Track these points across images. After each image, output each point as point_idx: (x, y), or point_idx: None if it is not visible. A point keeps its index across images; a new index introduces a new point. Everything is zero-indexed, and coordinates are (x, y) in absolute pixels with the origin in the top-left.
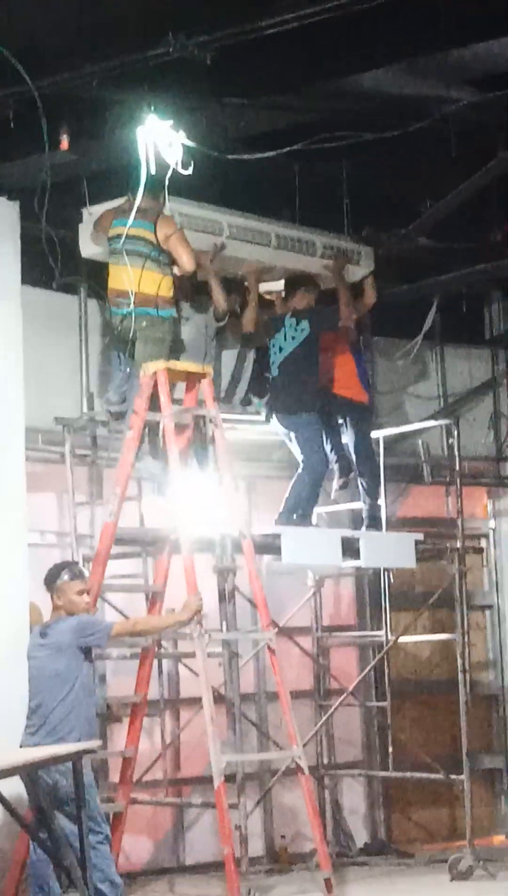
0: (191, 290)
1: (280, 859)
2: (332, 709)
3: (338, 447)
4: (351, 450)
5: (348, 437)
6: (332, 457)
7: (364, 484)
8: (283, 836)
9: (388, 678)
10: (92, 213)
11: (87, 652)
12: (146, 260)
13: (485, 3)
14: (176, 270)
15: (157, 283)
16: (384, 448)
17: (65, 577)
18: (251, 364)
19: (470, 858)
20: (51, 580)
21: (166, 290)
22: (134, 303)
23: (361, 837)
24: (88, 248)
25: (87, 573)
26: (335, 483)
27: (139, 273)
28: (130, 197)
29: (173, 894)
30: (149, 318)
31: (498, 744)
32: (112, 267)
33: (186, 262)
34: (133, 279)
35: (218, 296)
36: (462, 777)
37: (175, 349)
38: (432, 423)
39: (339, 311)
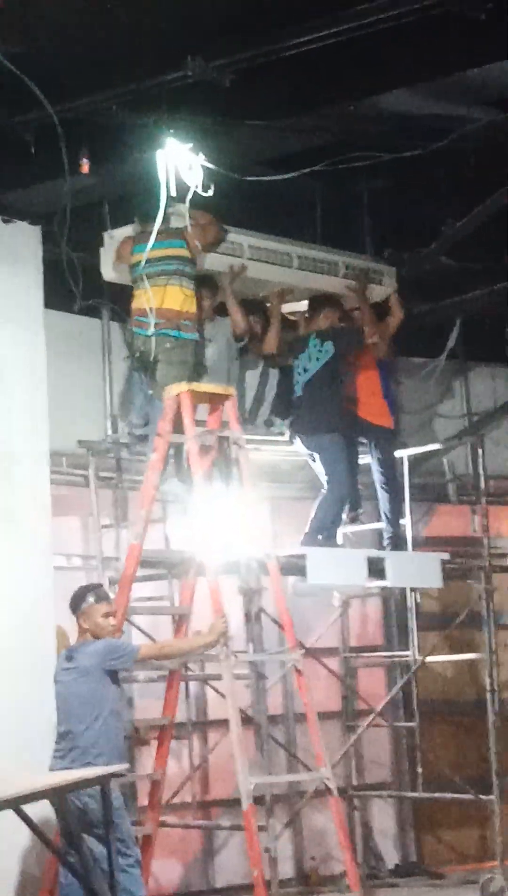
0: (211, 310)
1: (310, 881)
2: (360, 730)
3: (353, 478)
4: (375, 471)
5: (371, 459)
6: None
7: (387, 506)
8: (313, 858)
9: (416, 698)
10: (113, 236)
11: (114, 675)
12: (170, 277)
13: (503, 23)
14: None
15: (180, 301)
16: (409, 467)
17: (90, 599)
18: (275, 385)
19: (501, 879)
20: (76, 603)
21: (190, 306)
22: (158, 324)
23: (391, 859)
24: (110, 271)
25: (112, 595)
26: (345, 517)
27: (161, 291)
28: (137, 223)
29: None
30: (172, 341)
31: None
32: (135, 290)
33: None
34: (156, 298)
35: (236, 317)
36: (493, 797)
37: (198, 371)
38: (456, 442)
39: (363, 331)
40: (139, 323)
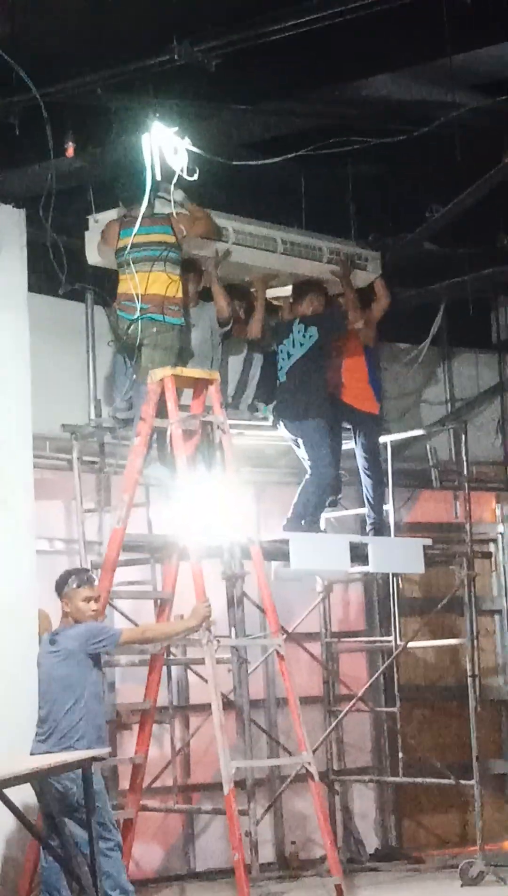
0: (196, 295)
1: (291, 865)
2: (342, 714)
3: (336, 464)
4: (358, 456)
5: (355, 444)
6: None
7: (370, 491)
8: (293, 843)
9: (397, 683)
10: (98, 220)
11: (96, 659)
12: (154, 263)
13: (490, 8)
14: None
15: (165, 286)
16: (392, 453)
17: (72, 584)
18: (259, 370)
19: (481, 864)
20: (60, 587)
21: (176, 291)
22: (143, 309)
23: (371, 843)
24: (94, 255)
25: (96, 580)
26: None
27: (146, 277)
28: (123, 206)
29: None
30: (158, 325)
31: None
32: (121, 274)
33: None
34: (141, 283)
35: (221, 301)
36: (473, 782)
37: (183, 356)
38: (440, 428)
39: (347, 316)
40: (125, 307)
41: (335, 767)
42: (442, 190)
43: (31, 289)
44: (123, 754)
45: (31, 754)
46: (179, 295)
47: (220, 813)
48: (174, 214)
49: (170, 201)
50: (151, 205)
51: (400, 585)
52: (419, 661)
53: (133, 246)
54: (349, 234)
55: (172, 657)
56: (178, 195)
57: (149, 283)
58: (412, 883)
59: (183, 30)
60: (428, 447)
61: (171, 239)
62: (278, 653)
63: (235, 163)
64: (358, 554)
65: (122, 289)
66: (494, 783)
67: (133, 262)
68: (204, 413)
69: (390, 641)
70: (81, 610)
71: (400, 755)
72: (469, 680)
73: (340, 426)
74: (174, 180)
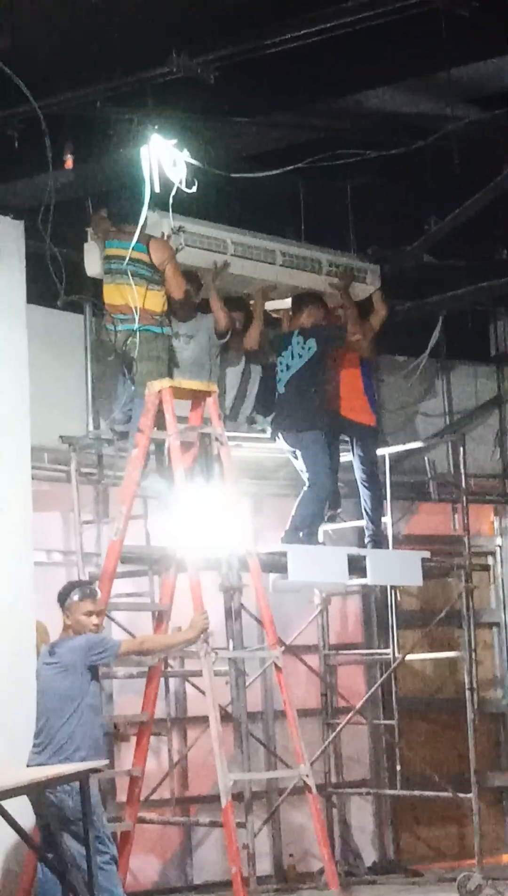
0: (194, 307)
1: (288, 878)
2: (339, 727)
3: (334, 476)
4: (356, 469)
5: (353, 457)
6: None
7: (368, 504)
8: (291, 855)
9: (395, 696)
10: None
11: (94, 671)
12: (130, 276)
13: (489, 22)
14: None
15: (143, 299)
16: (390, 465)
17: (74, 597)
18: (257, 382)
19: (479, 877)
20: (62, 598)
21: (154, 305)
22: (124, 320)
23: (369, 856)
24: (93, 267)
25: (99, 594)
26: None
27: (129, 290)
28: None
29: None
30: (143, 335)
31: (506, 762)
32: (105, 285)
33: (174, 291)
34: (125, 296)
35: (219, 314)
36: (471, 795)
37: (174, 366)
38: (438, 440)
39: (346, 328)
40: (110, 318)
41: (333, 780)
42: (441, 202)
43: (29, 300)
44: (121, 766)
45: (28, 766)
46: (159, 308)
47: (217, 825)
48: (155, 238)
49: (157, 224)
50: (130, 221)
51: (398, 598)
52: (417, 674)
53: (117, 258)
54: (348, 247)
55: (169, 669)
56: (157, 217)
57: (130, 295)
58: (409, 895)
59: (182, 42)
60: (426, 460)
61: (145, 258)
62: (275, 665)
63: (234, 175)
64: (356, 566)
65: (106, 300)
66: (492, 796)
67: (114, 274)
68: (202, 425)
69: (388, 654)
70: (83, 623)
71: (398, 768)
72: (468, 693)
73: (338, 438)
74: (172, 192)
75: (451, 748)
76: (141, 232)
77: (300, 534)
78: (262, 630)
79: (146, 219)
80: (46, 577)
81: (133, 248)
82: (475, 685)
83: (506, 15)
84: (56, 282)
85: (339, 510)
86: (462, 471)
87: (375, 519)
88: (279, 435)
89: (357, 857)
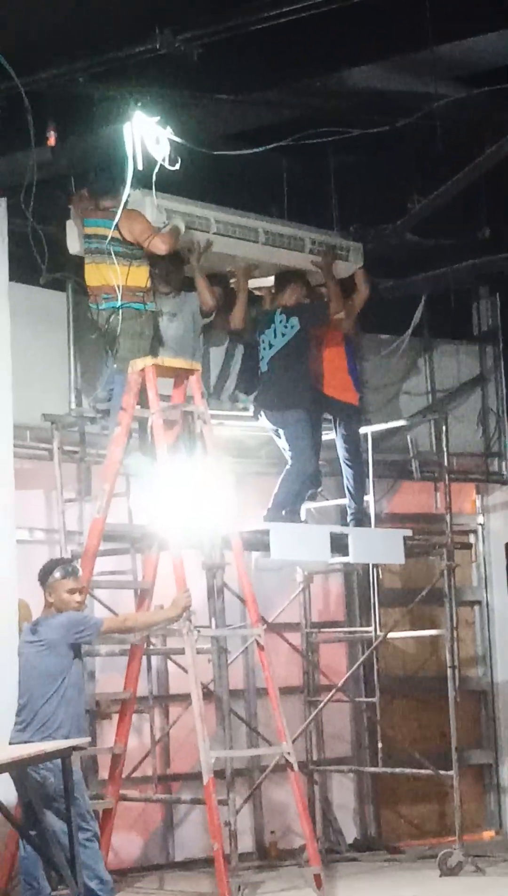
0: (178, 285)
1: (270, 855)
2: (321, 705)
3: (317, 454)
4: (339, 447)
5: (336, 435)
6: None
7: (351, 482)
8: (272, 832)
9: (377, 674)
10: None
11: (76, 649)
12: (109, 255)
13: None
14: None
15: (125, 276)
16: (373, 444)
17: (56, 575)
18: (240, 360)
19: (460, 854)
20: (43, 577)
21: (136, 281)
22: (107, 298)
23: (350, 833)
24: (75, 244)
25: (80, 571)
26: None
27: (111, 269)
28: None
29: (163, 891)
30: (127, 312)
31: (487, 739)
32: (86, 265)
33: (161, 249)
34: (106, 276)
35: (205, 294)
36: (452, 773)
37: (158, 344)
38: (420, 419)
39: (328, 306)
40: (94, 298)
41: (315, 758)
42: (424, 181)
43: (11, 278)
44: (103, 744)
45: (10, 743)
46: (143, 284)
47: (199, 803)
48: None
49: (138, 201)
50: (109, 198)
51: (380, 576)
52: (398, 652)
53: (98, 237)
54: (331, 225)
55: (152, 647)
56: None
57: (111, 273)
58: (390, 873)
59: (165, 19)
60: (409, 438)
61: (116, 234)
62: (257, 643)
63: (216, 153)
64: (339, 544)
65: (88, 279)
66: (472, 774)
67: (94, 252)
68: (185, 403)
69: (370, 632)
70: (65, 601)
71: (379, 745)
72: (449, 671)
73: (320, 417)
74: (155, 170)
75: (432, 726)
76: (123, 210)
77: (283, 512)
78: (244, 608)
79: (129, 196)
80: (29, 556)
81: (104, 226)
82: (456, 663)
83: None
84: (38, 259)
85: (320, 489)
86: (445, 449)
87: (357, 497)
88: (262, 413)
89: (339, 834)
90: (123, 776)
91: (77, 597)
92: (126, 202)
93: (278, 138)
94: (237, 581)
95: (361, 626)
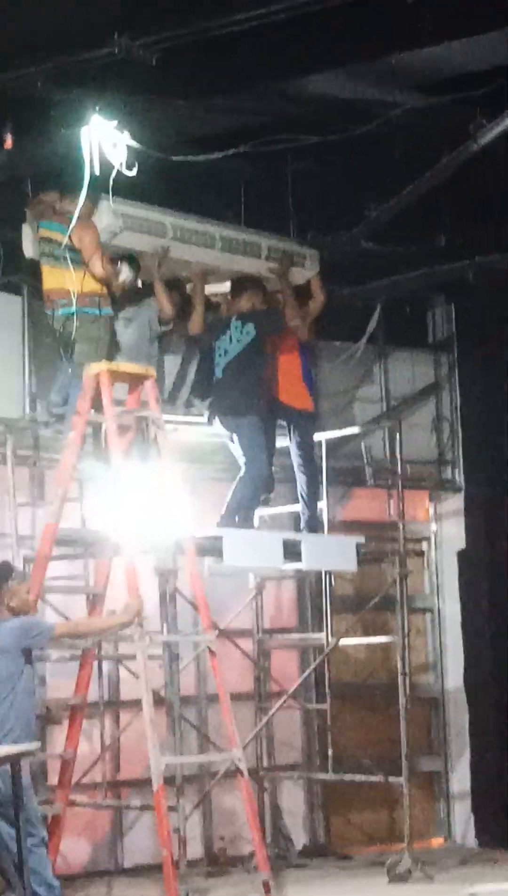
0: (135, 290)
1: (219, 861)
2: (272, 711)
3: (270, 461)
4: (293, 454)
5: (290, 442)
6: None
7: (304, 489)
8: (222, 839)
9: (328, 681)
10: None
11: (28, 653)
12: (62, 260)
13: (431, 9)
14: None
15: (80, 281)
16: (327, 451)
17: (12, 583)
18: (195, 366)
19: (409, 861)
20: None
21: (92, 286)
22: (64, 304)
23: (300, 840)
24: (31, 248)
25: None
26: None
27: (66, 274)
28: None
29: None
30: (82, 317)
31: (437, 746)
32: (43, 268)
33: (96, 272)
34: (61, 280)
35: (164, 301)
36: (401, 779)
37: (114, 350)
38: (374, 426)
39: (284, 313)
40: (49, 302)
41: (265, 764)
42: (382, 189)
43: None
44: (53, 749)
45: None
46: (97, 288)
47: (149, 809)
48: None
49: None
50: (66, 201)
51: (333, 583)
52: (350, 659)
53: (53, 242)
54: (288, 232)
55: (103, 652)
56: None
57: (66, 278)
58: (339, 879)
59: (123, 24)
60: (363, 445)
61: (65, 239)
62: (209, 649)
63: (174, 158)
64: (291, 551)
65: (44, 284)
66: (422, 780)
67: (48, 256)
68: (139, 408)
69: (321, 639)
70: (29, 603)
71: (330, 752)
72: (400, 678)
73: (275, 423)
74: (112, 174)
75: (383, 733)
76: (63, 214)
77: (236, 518)
78: (196, 614)
79: (85, 201)
80: None
81: (57, 230)
82: (407, 670)
83: (451, 1)
84: None
85: (271, 494)
86: (399, 457)
87: (311, 504)
88: (216, 419)
89: (288, 840)
90: (73, 782)
91: (32, 596)
92: (80, 208)
93: (236, 144)
94: (190, 586)
95: (313, 632)
